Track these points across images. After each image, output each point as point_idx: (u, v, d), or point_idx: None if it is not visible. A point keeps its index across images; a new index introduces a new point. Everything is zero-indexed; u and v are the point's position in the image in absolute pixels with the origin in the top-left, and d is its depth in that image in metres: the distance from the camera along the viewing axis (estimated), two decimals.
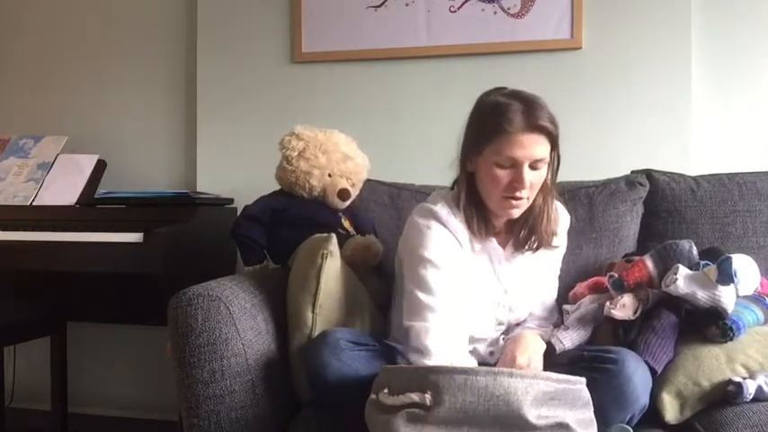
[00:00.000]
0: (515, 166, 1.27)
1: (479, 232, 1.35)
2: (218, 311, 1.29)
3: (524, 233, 1.37)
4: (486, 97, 1.34)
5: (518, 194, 1.28)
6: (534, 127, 1.25)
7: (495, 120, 1.26)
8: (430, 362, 1.21)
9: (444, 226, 1.34)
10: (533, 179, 1.28)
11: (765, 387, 1.23)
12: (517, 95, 1.29)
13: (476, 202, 1.35)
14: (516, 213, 1.33)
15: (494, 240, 1.39)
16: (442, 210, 1.35)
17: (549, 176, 1.35)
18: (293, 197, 1.74)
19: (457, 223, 1.35)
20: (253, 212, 1.69)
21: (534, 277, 1.45)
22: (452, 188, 1.44)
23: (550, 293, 1.52)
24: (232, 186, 2.22)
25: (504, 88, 1.35)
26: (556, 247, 1.42)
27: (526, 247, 1.38)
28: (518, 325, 1.46)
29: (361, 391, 1.19)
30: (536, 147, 1.26)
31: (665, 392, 1.26)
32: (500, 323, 1.43)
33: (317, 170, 1.72)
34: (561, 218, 1.46)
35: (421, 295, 1.28)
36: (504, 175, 1.27)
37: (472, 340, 1.39)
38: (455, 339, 1.28)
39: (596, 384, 1.13)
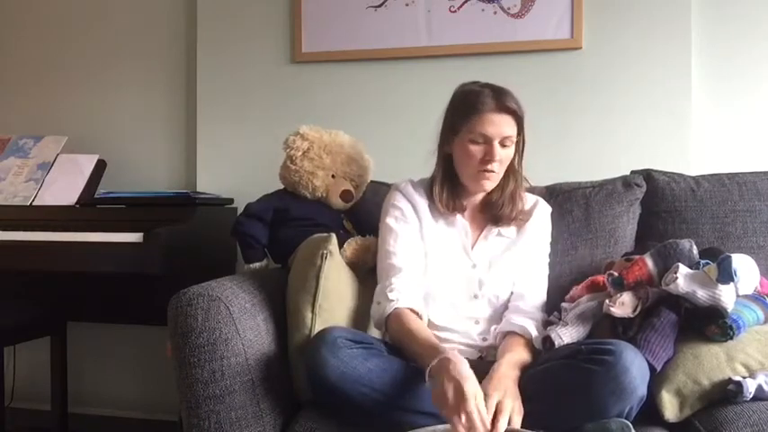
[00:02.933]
0: (487, 142, 1.45)
1: (447, 207, 1.52)
2: (218, 311, 1.29)
3: (497, 211, 1.54)
4: (461, 88, 1.52)
5: (489, 167, 1.46)
6: (503, 108, 1.43)
7: (470, 102, 1.45)
8: (392, 300, 1.39)
9: (404, 196, 1.55)
10: (503, 156, 1.46)
11: (765, 386, 1.23)
12: (488, 85, 1.48)
13: (451, 179, 1.54)
14: (488, 186, 1.50)
15: (461, 217, 1.55)
16: (406, 186, 1.57)
17: (517, 161, 1.53)
18: (296, 197, 1.74)
19: (417, 196, 1.55)
20: (254, 211, 1.70)
21: (507, 258, 1.54)
22: None
23: (532, 285, 1.53)
24: (232, 186, 2.22)
25: (476, 81, 1.52)
26: (523, 221, 1.56)
27: (499, 224, 1.55)
28: (503, 314, 1.49)
29: (359, 389, 1.21)
30: (504, 126, 1.44)
31: (664, 391, 1.26)
32: (474, 296, 1.50)
33: (320, 171, 1.72)
34: (539, 207, 1.61)
35: (382, 260, 1.49)
36: (477, 150, 1.45)
37: (457, 317, 1.49)
38: (416, 288, 1.46)
39: (594, 377, 1.15)
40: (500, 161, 1.46)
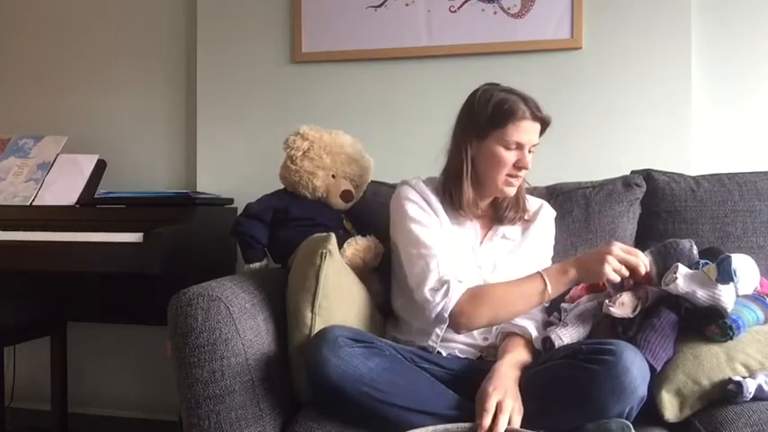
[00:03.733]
0: (519, 148, 1.46)
1: (463, 208, 1.51)
2: (218, 311, 1.29)
3: (502, 213, 1.55)
4: (485, 91, 1.50)
5: (519, 174, 1.48)
6: (536, 117, 1.45)
7: (504, 109, 1.44)
8: (450, 296, 1.39)
9: (418, 192, 1.55)
10: (529, 161, 1.49)
11: (765, 386, 1.23)
12: (513, 91, 1.48)
13: (471, 181, 1.52)
14: (512, 191, 1.52)
15: (472, 218, 1.55)
16: (418, 183, 1.57)
17: None
18: (296, 197, 1.74)
19: (430, 193, 1.54)
20: (254, 211, 1.70)
21: (511, 260, 1.54)
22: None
23: None
24: (232, 186, 2.22)
25: (498, 84, 1.52)
26: (528, 221, 1.58)
27: (505, 223, 1.56)
28: None
29: (360, 388, 1.21)
30: (535, 133, 1.48)
31: (664, 391, 1.26)
32: None
33: (321, 171, 1.72)
34: (544, 210, 1.62)
35: (416, 251, 1.47)
36: (510, 156, 1.46)
37: None
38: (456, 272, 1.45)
39: (595, 377, 1.15)
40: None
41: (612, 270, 1.32)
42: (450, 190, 1.53)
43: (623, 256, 1.33)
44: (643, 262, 1.33)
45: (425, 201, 1.54)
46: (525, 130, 1.45)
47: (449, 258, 1.46)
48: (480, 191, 1.54)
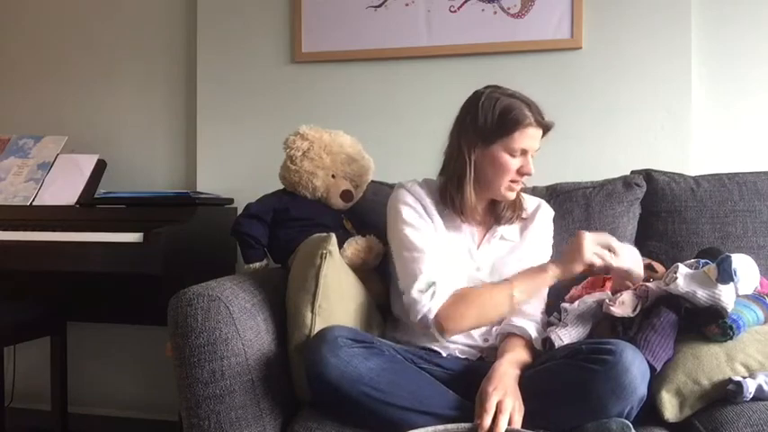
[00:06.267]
0: (523, 155, 1.47)
1: (465, 213, 1.51)
2: (218, 311, 1.29)
3: (499, 213, 1.55)
4: (490, 96, 1.47)
5: (522, 180, 1.49)
6: (540, 123, 1.46)
7: (511, 116, 1.44)
8: (435, 299, 1.39)
9: (413, 195, 1.54)
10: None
11: (765, 386, 1.23)
12: (516, 95, 1.47)
13: (474, 186, 1.50)
14: (513, 196, 1.52)
15: (469, 221, 1.54)
16: (413, 186, 1.56)
17: None
18: (296, 197, 1.75)
19: (426, 197, 1.54)
20: (254, 211, 1.70)
21: (509, 261, 1.53)
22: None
23: None
24: (232, 186, 2.22)
25: (498, 86, 1.50)
26: (526, 220, 1.58)
27: (502, 223, 1.56)
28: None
29: (359, 388, 1.21)
30: (538, 139, 1.48)
31: (664, 391, 1.26)
32: None
33: (320, 171, 1.72)
34: (542, 210, 1.62)
35: (407, 254, 1.46)
36: (514, 163, 1.46)
37: None
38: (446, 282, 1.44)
39: (595, 376, 1.15)
40: None
41: (593, 253, 1.36)
42: (451, 194, 1.51)
43: (596, 239, 1.38)
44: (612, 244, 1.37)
45: (421, 204, 1.53)
46: (530, 137, 1.45)
47: (441, 263, 1.46)
48: (480, 195, 1.53)
